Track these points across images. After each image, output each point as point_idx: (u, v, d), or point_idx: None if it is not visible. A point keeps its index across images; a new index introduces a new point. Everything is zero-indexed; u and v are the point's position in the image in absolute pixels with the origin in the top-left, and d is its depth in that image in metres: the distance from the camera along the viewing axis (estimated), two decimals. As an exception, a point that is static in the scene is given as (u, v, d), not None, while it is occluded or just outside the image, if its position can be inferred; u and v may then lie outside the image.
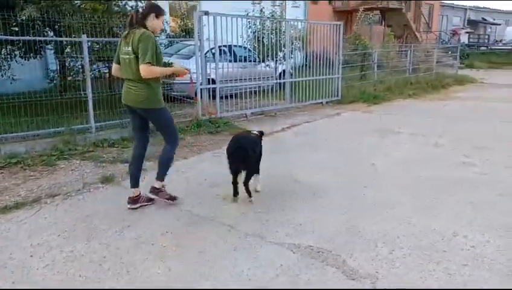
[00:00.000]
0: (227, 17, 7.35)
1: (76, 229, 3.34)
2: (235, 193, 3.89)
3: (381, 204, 3.83)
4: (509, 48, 24.96)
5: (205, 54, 8.39)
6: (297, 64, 9.87)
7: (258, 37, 9.40)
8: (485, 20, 33.99)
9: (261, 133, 4.33)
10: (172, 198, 3.83)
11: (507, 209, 3.70)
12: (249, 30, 10.44)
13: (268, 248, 3.04)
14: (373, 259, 2.88)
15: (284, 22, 9.02)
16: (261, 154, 4.16)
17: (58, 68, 8.08)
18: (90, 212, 3.69)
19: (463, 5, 33.10)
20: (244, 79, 8.02)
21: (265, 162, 4.28)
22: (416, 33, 21.47)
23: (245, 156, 3.76)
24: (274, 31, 9.21)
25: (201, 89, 7.15)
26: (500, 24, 35.13)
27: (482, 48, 26.63)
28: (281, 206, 3.82)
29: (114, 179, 4.52)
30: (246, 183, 3.79)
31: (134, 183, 3.80)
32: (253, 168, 3.93)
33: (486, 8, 35.66)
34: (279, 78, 9.21)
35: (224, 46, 9.10)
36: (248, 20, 10.26)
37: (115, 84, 7.68)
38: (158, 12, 3.50)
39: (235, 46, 8.88)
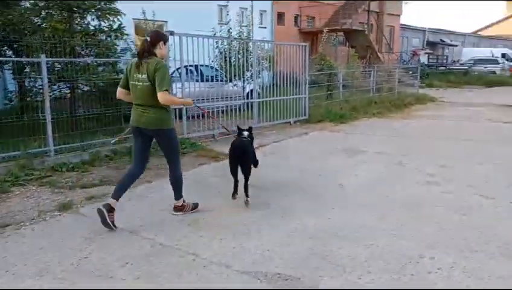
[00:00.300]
0: (193, 37, 7.31)
1: (27, 264, 3.11)
2: (235, 192, 4.42)
3: (348, 227, 3.80)
4: (466, 68, 26.19)
5: (171, 73, 8.33)
6: (265, 84, 9.91)
7: (225, 57, 9.40)
8: (443, 41, 35.67)
9: (251, 138, 4.99)
10: (195, 206, 4.19)
11: (471, 229, 3.75)
12: (216, 50, 10.48)
13: (235, 278, 2.92)
14: (342, 285, 2.81)
15: (250, 42, 9.05)
16: (254, 154, 4.94)
17: (17, 89, 7.76)
18: (45, 243, 3.45)
19: (422, 27, 34.66)
20: (212, 99, 7.96)
21: (230, 183, 4.18)
22: (379, 54, 22.22)
23: (243, 156, 4.47)
24: (241, 51, 9.25)
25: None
26: (457, 45, 36.93)
27: (441, 68, 27.83)
28: (247, 231, 3.72)
29: (72, 206, 4.29)
30: (245, 185, 4.32)
31: (116, 196, 3.79)
32: (249, 167, 4.49)
33: (443, 30, 37.48)
34: (247, 98, 9.21)
35: (190, 66, 9.07)
36: (216, 40, 10.31)
37: (76, 105, 7.45)
38: (166, 39, 3.80)
39: (202, 65, 8.84)
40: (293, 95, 9.74)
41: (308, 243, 3.45)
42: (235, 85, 9.47)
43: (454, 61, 32.78)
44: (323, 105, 11.17)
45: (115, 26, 7.53)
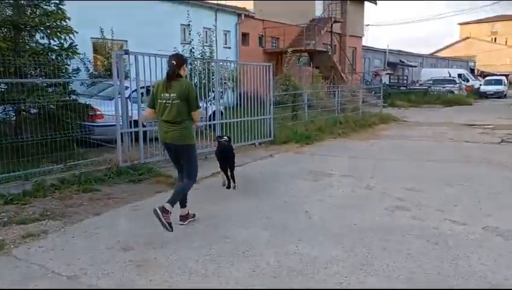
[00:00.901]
0: (151, 56, 6.91)
1: None
2: (227, 181, 5.84)
3: (316, 262, 3.47)
4: (425, 88, 27.04)
5: (129, 94, 7.89)
6: (230, 104, 9.62)
7: (188, 77, 9.05)
8: (403, 62, 36.91)
9: (230, 140, 6.37)
10: (194, 215, 4.53)
11: (445, 261, 3.51)
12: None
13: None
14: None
15: (213, 62, 8.76)
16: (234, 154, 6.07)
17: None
18: (-39, 296, 2.92)
19: (383, 49, 35.76)
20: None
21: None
22: (342, 74, 22.53)
23: (229, 153, 5.95)
24: (203, 71, 8.95)
25: (121, 133, 6.54)
26: (416, 66, 38.32)
27: (402, 87, 28.62)
28: (204, 271, 3.31)
29: (4, 246, 3.74)
30: (232, 175, 5.81)
31: (182, 204, 4.37)
32: (234, 162, 5.95)
33: (403, 51, 38.83)
34: (211, 119, 8.87)
35: (148, 87, 8.65)
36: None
37: (21, 129, 6.84)
38: (187, 62, 4.39)
39: None
40: (257, 116, 9.47)
41: (271, 284, 3.09)
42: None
43: (414, 81, 33.89)
44: (288, 126, 10.96)
45: (66, 45, 7.02)
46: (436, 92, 25.95)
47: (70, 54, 6.98)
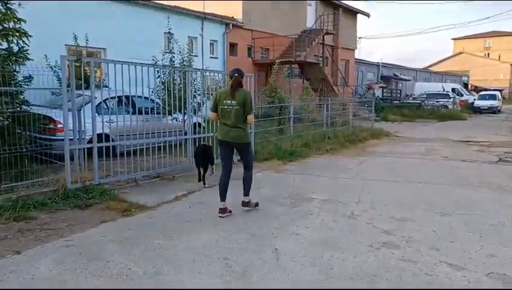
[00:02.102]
0: (123, 64, 6.15)
1: None
2: (200, 179, 6.46)
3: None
4: (419, 102, 26.49)
5: (98, 104, 7.15)
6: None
7: (167, 88, 8.28)
8: (396, 76, 36.48)
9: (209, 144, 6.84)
10: (257, 204, 5.37)
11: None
12: (158, 80, 9.43)
13: None
14: None
15: (187, 72, 8.00)
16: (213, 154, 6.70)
17: None
18: None
19: (376, 62, 35.35)
20: (140, 134, 6.79)
21: (130, 255, 2.96)
22: (334, 87, 21.91)
23: (207, 152, 6.58)
24: (181, 81, 8.22)
25: (71, 150, 5.74)
26: (409, 80, 37.92)
27: (395, 101, 28.06)
28: None
29: None
30: (204, 172, 6.50)
31: (223, 198, 5.09)
32: (209, 161, 6.59)
33: (396, 65, 38.47)
34: (191, 133, 8.11)
35: (120, 97, 7.91)
36: (157, 70, 9.26)
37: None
38: (243, 75, 5.21)
39: (135, 96, 7.71)
40: (237, 130, 8.70)
41: None
42: (173, 118, 8.39)
43: (407, 95, 33.41)
44: (272, 141, 10.20)
45: (16, 49, 6.24)
46: (429, 106, 25.40)
47: (19, 59, 6.19)
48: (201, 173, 6.49)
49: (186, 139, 7.62)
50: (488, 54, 64.50)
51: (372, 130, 14.40)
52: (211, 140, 7.24)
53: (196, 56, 16.97)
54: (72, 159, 5.77)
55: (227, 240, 4.24)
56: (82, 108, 6.09)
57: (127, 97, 8.32)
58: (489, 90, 37.57)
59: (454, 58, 61.93)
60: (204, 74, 9.21)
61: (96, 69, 9.88)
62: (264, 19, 19.97)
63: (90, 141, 6.16)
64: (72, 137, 5.88)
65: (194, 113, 9.76)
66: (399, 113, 23.16)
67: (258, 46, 20.24)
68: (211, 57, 17.75)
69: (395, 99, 29.31)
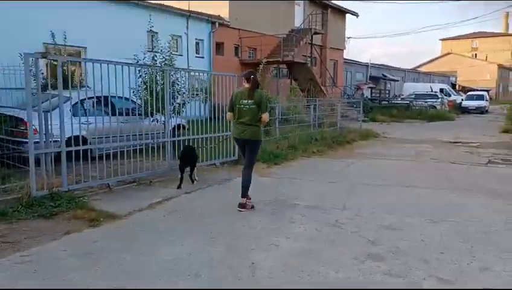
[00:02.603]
0: (96, 62, 5.79)
1: None
2: (181, 183, 6.32)
3: None
4: (407, 102, 26.39)
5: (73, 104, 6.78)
6: (203, 117, 8.56)
7: (149, 88, 7.91)
8: (385, 76, 36.44)
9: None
10: (253, 206, 5.35)
11: None
12: (140, 80, 9.07)
13: None
14: None
15: (166, 71, 7.63)
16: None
17: None
18: None
19: (365, 62, 35.27)
20: (119, 136, 6.42)
21: (91, 272, 2.60)
22: (322, 87, 21.68)
23: (191, 152, 6.75)
24: (161, 80, 7.86)
25: (38, 154, 5.34)
26: (398, 80, 37.92)
27: (384, 102, 27.95)
28: None
29: None
30: (191, 174, 6.61)
31: (244, 194, 5.30)
32: (194, 163, 6.65)
33: (385, 65, 38.45)
34: (172, 135, 7.77)
35: (98, 97, 7.51)
36: (138, 69, 8.90)
37: None
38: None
39: (114, 97, 7.32)
40: (220, 132, 8.37)
41: None
42: (154, 120, 8.05)
43: (396, 95, 33.35)
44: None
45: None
46: (418, 106, 25.32)
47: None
48: (182, 177, 6.42)
49: (165, 142, 7.22)
50: (476, 54, 65.04)
51: (360, 131, 14.17)
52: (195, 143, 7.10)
53: (181, 55, 16.59)
54: (39, 164, 5.38)
55: (201, 253, 3.90)
56: (51, 109, 5.68)
57: (105, 98, 7.94)
58: (477, 90, 37.73)
59: (442, 59, 62.31)
60: (189, 73, 8.86)
61: (73, 67, 9.56)
62: (252, 17, 19.65)
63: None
64: (38, 140, 5.49)
65: (176, 114, 9.43)
66: (388, 113, 23.02)
67: (245, 46, 19.93)
68: (196, 57, 17.39)
69: (384, 99, 29.20)
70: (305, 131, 11.92)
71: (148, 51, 10.96)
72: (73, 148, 5.68)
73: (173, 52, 16.19)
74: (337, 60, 28.42)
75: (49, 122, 5.55)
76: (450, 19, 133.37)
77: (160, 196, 5.87)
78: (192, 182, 6.60)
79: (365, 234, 4.48)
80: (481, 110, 29.44)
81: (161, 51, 10.00)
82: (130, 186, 6.39)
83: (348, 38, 31.25)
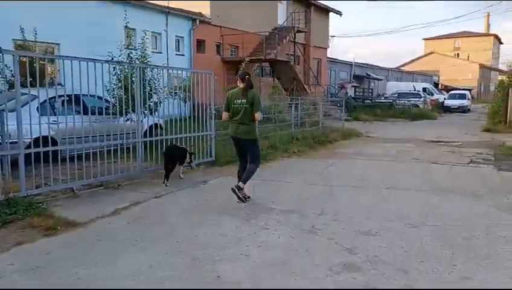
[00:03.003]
0: (59, 59, 5.40)
1: None
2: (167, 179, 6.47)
3: None
4: (390, 101, 26.42)
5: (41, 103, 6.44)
6: (184, 116, 8.26)
7: (124, 86, 7.52)
8: (369, 75, 36.48)
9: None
10: (246, 198, 5.51)
11: None
12: (115, 78, 8.70)
13: None
14: None
15: (137, 68, 7.27)
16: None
17: None
18: None
19: (349, 61, 35.25)
20: (89, 136, 6.06)
21: None
22: (305, 86, 21.48)
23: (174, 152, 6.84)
24: (135, 78, 7.50)
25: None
26: (381, 79, 38.01)
27: (367, 101, 27.93)
28: None
29: None
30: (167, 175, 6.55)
31: (244, 180, 5.52)
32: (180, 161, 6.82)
33: (369, 64, 38.52)
34: (148, 135, 7.43)
35: (68, 95, 7.14)
36: (113, 66, 8.53)
37: None
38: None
39: (85, 95, 6.93)
40: (197, 132, 8.04)
41: None
42: (128, 119, 7.70)
43: (379, 94, 33.43)
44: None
45: None
46: (401, 105, 25.34)
47: None
48: (167, 175, 6.51)
49: (136, 142, 6.86)
50: (458, 54, 65.88)
51: (342, 131, 13.98)
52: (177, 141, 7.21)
53: (160, 53, 16.18)
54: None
55: (163, 265, 3.59)
56: (6, 109, 5.27)
57: (75, 96, 7.53)
58: (459, 89, 38.08)
59: (425, 58, 62.91)
60: (164, 70, 8.50)
61: (43, 63, 9.09)
62: (234, 15, 19.30)
63: (29, 146, 5.40)
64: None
65: (151, 113, 9.06)
66: (371, 112, 22.98)
67: (227, 44, 19.60)
68: (176, 54, 16.99)
69: (367, 98, 29.20)
70: (286, 130, 11.67)
71: (126, 48, 10.55)
72: (32, 149, 5.28)
73: (153, 50, 15.83)
74: (320, 59, 28.29)
75: (4, 123, 5.13)
76: (434, 18, 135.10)
77: (127, 200, 5.52)
78: (168, 184, 6.47)
79: (342, 241, 4.23)
80: (463, 109, 29.69)
81: (136, 48, 9.62)
82: (96, 190, 6.03)
83: (332, 36, 31.13)
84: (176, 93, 8.87)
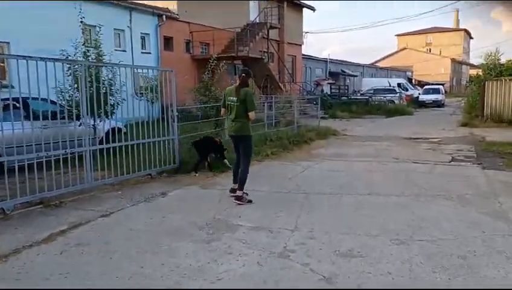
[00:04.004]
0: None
1: None
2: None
3: None
4: (367, 97, 26.12)
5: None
6: (153, 118, 7.45)
7: (79, 87, 6.63)
8: (344, 72, 36.20)
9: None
10: (250, 201, 5.51)
11: None
12: (70, 78, 7.84)
13: None
14: None
15: (80, 65, 6.40)
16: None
17: None
18: None
19: (324, 58, 34.86)
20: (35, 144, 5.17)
21: None
22: (280, 84, 20.84)
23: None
24: (90, 77, 6.65)
25: None
26: (357, 76, 37.82)
27: (343, 97, 27.56)
28: None
29: None
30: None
31: (235, 180, 5.67)
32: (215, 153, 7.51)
33: (344, 61, 38.26)
34: (106, 141, 6.60)
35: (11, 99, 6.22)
36: (69, 66, 7.67)
37: None
38: (251, 75, 5.77)
39: (32, 98, 6.01)
40: (156, 137, 7.23)
41: None
42: (81, 124, 6.84)
43: (355, 91, 33.17)
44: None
45: None
46: (377, 101, 25.05)
47: None
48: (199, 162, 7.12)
49: (84, 151, 6.00)
50: (430, 49, 66.70)
51: (319, 130, 13.37)
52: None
53: (124, 51, 15.22)
54: None
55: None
56: None
57: (16, 99, 6.60)
58: (432, 84, 38.29)
59: (398, 54, 63.41)
60: (120, 69, 7.67)
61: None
62: (203, 11, 18.45)
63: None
64: None
65: (107, 116, 8.19)
66: (347, 109, 22.56)
67: (197, 41, 18.74)
68: (142, 52, 16.05)
69: (343, 95, 28.83)
70: (259, 131, 10.96)
71: (82, 45, 9.59)
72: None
73: (116, 48, 14.84)
74: (295, 56, 27.72)
75: None
76: (406, 13, 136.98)
77: (67, 221, 4.68)
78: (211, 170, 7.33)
79: (319, 266, 3.53)
80: (438, 104, 29.72)
81: (96, 45, 8.72)
82: (34, 209, 5.15)
83: (306, 33, 30.62)
84: (142, 93, 8.12)
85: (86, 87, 6.06)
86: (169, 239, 4.19)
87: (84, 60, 8.04)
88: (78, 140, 5.89)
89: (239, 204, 5.35)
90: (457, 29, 70.72)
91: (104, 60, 8.68)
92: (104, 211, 5.10)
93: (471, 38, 76.04)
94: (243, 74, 5.53)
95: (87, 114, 6.27)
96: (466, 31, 71.90)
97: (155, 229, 4.48)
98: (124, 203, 5.47)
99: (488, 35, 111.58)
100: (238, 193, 5.44)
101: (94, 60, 8.64)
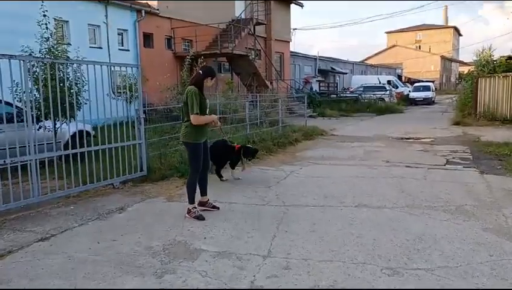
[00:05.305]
0: None
1: None
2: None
3: None
4: (356, 95, 25.51)
5: None
6: (131, 119, 6.68)
7: (42, 86, 5.82)
8: (334, 69, 35.56)
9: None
10: (197, 217, 4.75)
11: None
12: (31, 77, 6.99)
13: None
14: None
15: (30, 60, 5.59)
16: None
17: None
18: None
19: (313, 55, 34.16)
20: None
21: None
22: (267, 82, 20.09)
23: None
24: (51, 75, 5.83)
25: None
26: (346, 73, 37.23)
27: (333, 95, 26.92)
28: None
29: None
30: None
31: (202, 192, 5.05)
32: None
33: (333, 58, 37.61)
34: (72, 146, 5.81)
35: None
36: (32, 64, 6.86)
37: None
38: (215, 75, 4.92)
39: None
40: (119, 141, 6.44)
41: None
42: (40, 127, 6.13)
43: (345, 88, 32.58)
44: (179, 150, 7.98)
45: None
46: (367, 99, 24.46)
47: None
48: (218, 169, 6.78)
49: (28, 160, 5.18)
50: (420, 46, 66.52)
51: (305, 129, 12.65)
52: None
53: (100, 48, 14.33)
54: None
55: None
56: None
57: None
58: (422, 81, 37.87)
59: (388, 51, 63.12)
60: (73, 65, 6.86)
61: None
62: (185, 6, 17.61)
63: None
64: None
65: (69, 119, 7.37)
66: (336, 107, 21.95)
67: (179, 37, 17.86)
68: (120, 49, 15.15)
69: (333, 93, 28.21)
70: (240, 132, 10.21)
71: (43, 41, 8.71)
72: None
73: (91, 45, 13.95)
74: (283, 53, 26.94)
75: None
76: (396, 9, 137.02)
77: (18, 243, 3.89)
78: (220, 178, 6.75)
79: (292, 311, 2.81)
80: (428, 101, 29.30)
81: (47, 39, 7.85)
82: (26, 215, 4.37)
83: (294, 29, 29.90)
84: (119, 92, 7.37)
85: (42, 87, 5.27)
86: (113, 272, 3.42)
87: (45, 57, 7.19)
88: (21, 147, 5.09)
89: (187, 217, 4.75)
90: (446, 27, 70.64)
91: (69, 57, 7.82)
92: (45, 232, 4.31)
93: (460, 35, 76.08)
94: (199, 72, 4.79)
95: (27, 116, 5.42)
96: (455, 28, 71.86)
97: (99, 258, 3.70)
98: (72, 221, 4.68)
99: (477, 32, 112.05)
100: (188, 206, 4.81)
101: (60, 57, 7.81)
